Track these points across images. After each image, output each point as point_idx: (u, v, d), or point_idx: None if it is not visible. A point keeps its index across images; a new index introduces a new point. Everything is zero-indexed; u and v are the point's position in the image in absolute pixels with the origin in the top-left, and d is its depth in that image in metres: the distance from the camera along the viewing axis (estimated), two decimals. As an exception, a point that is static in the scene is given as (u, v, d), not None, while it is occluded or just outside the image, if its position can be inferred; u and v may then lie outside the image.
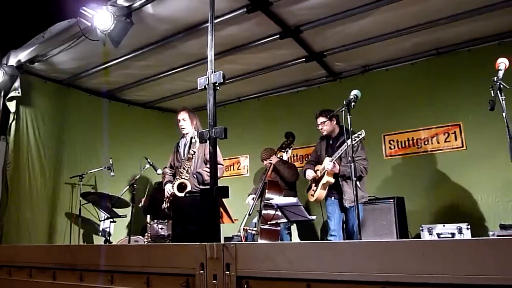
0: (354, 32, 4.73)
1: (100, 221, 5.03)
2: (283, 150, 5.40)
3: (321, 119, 4.49)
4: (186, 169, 4.25)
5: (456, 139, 4.91)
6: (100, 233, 5.12)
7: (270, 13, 4.25)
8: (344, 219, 4.32)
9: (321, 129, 4.49)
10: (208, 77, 3.18)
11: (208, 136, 2.98)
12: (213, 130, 2.99)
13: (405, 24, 4.60)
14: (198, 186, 4.29)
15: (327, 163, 4.10)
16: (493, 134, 4.66)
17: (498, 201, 4.55)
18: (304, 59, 5.31)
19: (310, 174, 4.48)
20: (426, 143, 5.11)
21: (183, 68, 5.48)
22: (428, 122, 5.14)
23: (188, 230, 3.20)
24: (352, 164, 3.31)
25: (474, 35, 4.84)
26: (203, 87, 3.22)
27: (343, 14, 4.31)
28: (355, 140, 3.95)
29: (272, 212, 4.68)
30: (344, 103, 3.42)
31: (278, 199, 3.99)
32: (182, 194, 4.13)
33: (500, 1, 4.13)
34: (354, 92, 3.53)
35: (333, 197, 4.32)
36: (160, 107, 7.01)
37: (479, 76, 4.84)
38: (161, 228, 5.09)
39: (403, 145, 5.25)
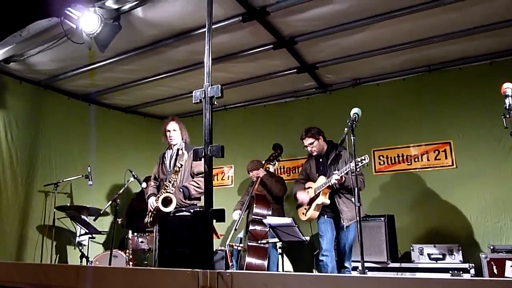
0: (348, 46, 4.65)
1: (77, 235, 4.71)
2: (271, 163, 5.26)
3: (308, 140, 4.32)
4: (171, 182, 4.02)
5: (446, 157, 4.89)
6: (75, 246, 4.81)
7: (266, 23, 4.09)
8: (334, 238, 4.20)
9: (311, 150, 4.34)
10: (204, 91, 2.96)
11: (203, 154, 2.78)
12: (209, 148, 2.79)
13: (398, 41, 4.56)
14: (184, 200, 4.06)
15: (333, 178, 3.91)
16: (483, 154, 4.69)
17: (487, 221, 4.54)
18: (295, 70, 5.18)
19: (302, 198, 4.32)
20: (416, 160, 5.07)
21: (168, 74, 5.26)
22: (418, 139, 5.10)
23: (176, 252, 2.99)
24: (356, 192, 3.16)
25: (466, 54, 4.85)
26: (198, 101, 3.00)
27: (339, 27, 4.22)
28: (357, 165, 3.82)
29: (259, 228, 4.52)
30: (348, 124, 3.26)
31: (271, 219, 3.82)
32: (167, 209, 3.90)
33: (491, 23, 4.14)
34: (355, 110, 3.41)
35: (326, 216, 4.19)
36: (141, 112, 6.73)
37: (470, 95, 4.90)
38: (142, 242, 4.86)
39: (393, 161, 5.19)
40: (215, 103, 2.93)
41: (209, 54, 3.10)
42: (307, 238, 3.84)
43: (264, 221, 3.88)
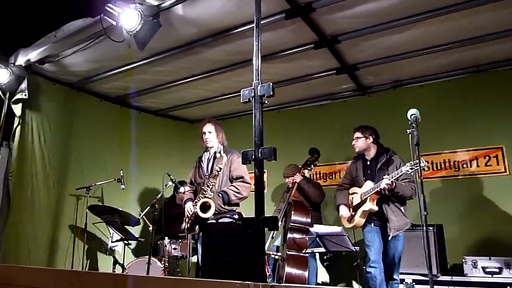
0: (391, 45, 4.40)
1: (110, 240, 4.57)
2: (308, 167, 5.04)
3: (356, 134, 4.16)
4: (210, 187, 3.84)
5: (498, 163, 4.58)
6: (108, 252, 4.68)
7: (309, 20, 3.89)
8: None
9: (354, 144, 4.15)
10: (254, 89, 2.76)
11: (253, 157, 2.57)
12: (260, 150, 2.59)
13: (445, 39, 4.30)
14: (223, 206, 3.88)
15: (384, 182, 3.68)
16: (539, 160, 4.37)
17: (544, 233, 4.21)
18: (335, 71, 4.96)
19: (344, 214, 4.09)
20: (464, 166, 4.76)
21: (203, 75, 5.10)
22: (466, 143, 4.80)
23: (221, 262, 2.80)
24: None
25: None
26: (247, 100, 2.80)
27: (384, 25, 3.99)
28: (412, 168, 3.58)
29: (298, 236, 4.29)
30: (413, 126, 3.02)
31: (318, 227, 3.59)
32: (205, 215, 3.72)
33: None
34: (413, 111, 3.17)
35: (372, 224, 3.93)
36: (172, 115, 6.61)
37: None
38: (175, 249, 4.68)
39: (439, 167, 4.90)
40: (266, 102, 2.73)
41: (258, 50, 2.93)
42: (357, 248, 3.59)
43: (311, 229, 3.65)
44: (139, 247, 5.50)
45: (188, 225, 3.97)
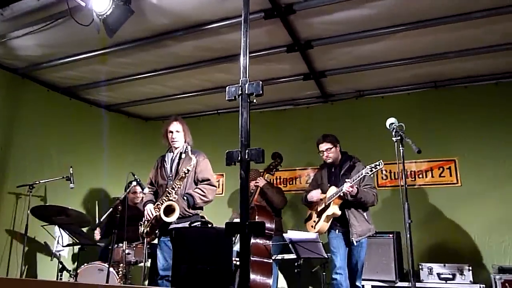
0: (361, 55, 4.49)
1: (57, 244, 4.13)
2: (270, 172, 4.98)
3: (326, 145, 4.12)
4: (175, 189, 3.61)
5: (451, 175, 4.83)
6: (52, 257, 4.23)
7: (287, 22, 3.83)
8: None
9: (326, 156, 4.11)
10: (241, 86, 2.61)
11: (239, 158, 2.42)
12: (246, 151, 2.44)
13: (411, 54, 4.46)
14: (187, 209, 3.67)
15: (345, 186, 3.69)
16: (488, 173, 4.67)
17: (491, 241, 4.49)
18: (302, 76, 4.95)
19: (315, 194, 4.07)
20: (420, 176, 4.97)
21: (167, 71, 4.84)
22: (422, 155, 4.90)
23: (196, 269, 2.60)
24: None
25: (473, 73, 4.84)
26: (232, 98, 2.63)
27: (359, 34, 4.04)
28: (371, 170, 3.67)
29: (262, 242, 4.19)
30: (399, 134, 3.04)
31: (292, 233, 3.50)
32: (169, 219, 3.48)
33: (509, 42, 4.14)
34: (392, 120, 3.20)
35: (337, 230, 3.95)
36: (125, 111, 6.22)
37: (475, 113, 4.89)
38: (128, 254, 4.35)
39: (396, 176, 5.07)
40: (255, 101, 2.59)
41: (246, 46, 2.78)
42: (328, 255, 3.56)
43: (285, 235, 3.56)
44: (81, 253, 5.05)
45: (148, 229, 3.70)
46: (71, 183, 4.58)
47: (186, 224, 3.55)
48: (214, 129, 6.01)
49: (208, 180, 3.84)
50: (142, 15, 3.65)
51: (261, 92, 2.56)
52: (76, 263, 4.54)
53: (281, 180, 5.65)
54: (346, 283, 3.76)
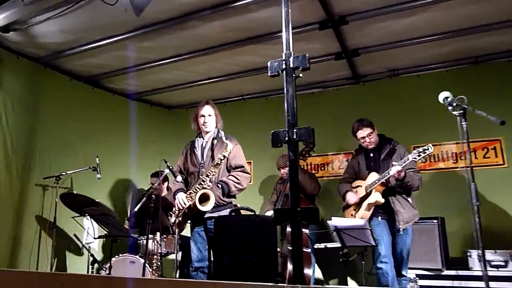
0: (398, 30, 4.21)
1: (87, 236, 4.01)
2: (303, 158, 4.75)
3: (366, 130, 3.84)
4: (209, 176, 3.42)
5: (496, 156, 4.53)
6: (82, 250, 4.12)
7: (322, -6, 3.58)
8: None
9: (369, 142, 3.85)
10: (285, 60, 2.36)
11: (287, 138, 2.19)
12: (294, 131, 2.21)
13: (450, 27, 4.16)
14: (221, 198, 3.49)
15: (394, 169, 3.45)
16: (537, 152, 4.36)
17: (543, 225, 4.20)
18: (333, 56, 4.69)
19: (352, 199, 3.84)
20: (462, 158, 4.68)
21: (191, 55, 4.63)
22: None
23: (241, 261, 2.41)
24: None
25: (515, 46, 4.51)
26: (276, 73, 2.39)
27: (398, 6, 3.76)
28: (420, 155, 3.41)
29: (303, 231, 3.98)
30: (462, 107, 2.78)
31: (337, 220, 3.28)
32: (204, 208, 3.30)
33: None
34: (446, 94, 2.94)
35: (379, 217, 3.71)
36: (148, 100, 6.06)
37: (521, 89, 4.56)
38: (159, 245, 4.20)
39: (436, 159, 4.79)
40: (300, 75, 2.35)
41: (288, 17, 2.53)
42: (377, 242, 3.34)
43: (329, 222, 3.34)
44: (108, 244, 4.95)
45: (180, 218, 3.53)
46: (97, 173, 4.45)
47: (222, 213, 3.37)
48: (240, 115, 5.80)
49: (242, 167, 3.65)
50: (168, -7, 3.45)
51: (307, 65, 2.32)
52: (105, 256, 4.41)
53: (313, 166, 5.43)
54: (393, 272, 3.53)
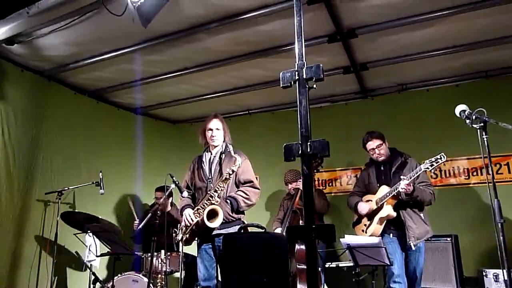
0: (407, 44, 4.15)
1: (88, 253, 3.88)
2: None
3: (376, 142, 3.77)
4: (218, 192, 3.31)
5: (509, 171, 4.41)
6: (83, 268, 3.99)
7: (331, 6, 3.52)
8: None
9: (378, 154, 3.76)
10: (297, 71, 2.27)
11: (300, 152, 2.08)
12: (308, 144, 2.10)
13: (463, 40, 4.09)
14: (230, 214, 3.37)
15: (402, 183, 3.35)
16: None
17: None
18: (342, 70, 4.62)
19: (364, 208, 3.72)
20: (474, 173, 4.56)
21: (198, 68, 4.57)
22: (474, 150, 4.58)
23: (251, 280, 2.29)
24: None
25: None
26: (288, 84, 2.30)
27: (408, 19, 3.71)
28: (432, 165, 3.32)
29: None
30: (482, 119, 2.68)
31: (350, 238, 3.15)
32: (213, 224, 3.18)
33: None
34: (463, 107, 2.85)
35: (391, 234, 3.59)
36: (154, 114, 5.99)
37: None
38: (162, 263, 4.06)
39: (447, 175, 4.67)
40: (314, 87, 2.25)
41: (300, 27, 2.45)
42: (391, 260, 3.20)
43: (342, 240, 3.21)
44: (110, 262, 4.81)
45: (187, 235, 3.40)
46: (100, 188, 4.34)
47: (230, 230, 3.24)
48: (246, 130, 5.72)
49: (251, 182, 3.54)
50: (176, 4, 3.40)
51: (321, 76, 2.23)
52: (108, 274, 4.27)
53: (320, 181, 5.31)
54: (407, 292, 3.39)
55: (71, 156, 4.77)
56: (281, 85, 2.26)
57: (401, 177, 3.44)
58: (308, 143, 2.08)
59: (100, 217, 3.97)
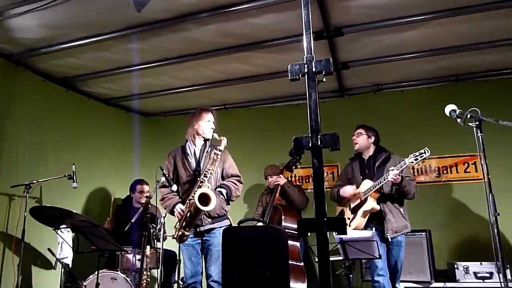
0: (390, 45, 4.27)
1: (60, 251, 3.64)
2: (290, 170, 4.68)
3: (358, 130, 3.98)
4: (208, 176, 3.21)
5: (476, 170, 4.68)
6: (54, 266, 3.75)
7: (323, 4, 3.55)
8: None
9: (354, 140, 3.95)
10: (306, 64, 2.26)
11: (310, 145, 2.08)
12: (318, 137, 2.10)
13: (441, 44, 4.27)
14: (223, 206, 3.32)
15: (392, 173, 3.43)
16: (514, 167, 4.55)
17: (520, 238, 4.36)
18: (323, 68, 4.67)
19: (348, 190, 3.80)
20: (444, 172, 4.80)
21: (180, 59, 4.44)
22: (445, 150, 4.85)
23: (254, 275, 2.24)
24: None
25: (494, 66, 4.72)
26: (296, 77, 2.28)
27: (393, 21, 3.81)
28: (417, 159, 3.44)
29: (292, 243, 3.87)
30: (478, 118, 2.79)
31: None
32: (207, 208, 3.07)
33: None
34: (453, 107, 2.97)
35: (374, 228, 3.68)
36: (125, 106, 5.74)
37: (498, 107, 4.75)
38: (139, 260, 3.91)
39: (419, 172, 4.88)
40: (324, 80, 2.25)
41: (309, 20, 2.45)
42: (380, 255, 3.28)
43: (335, 234, 3.23)
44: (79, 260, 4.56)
45: (183, 230, 3.25)
46: (74, 182, 4.10)
47: (221, 224, 3.18)
48: (222, 125, 5.60)
49: (239, 176, 3.53)
50: (168, -9, 3.28)
51: (331, 70, 2.22)
52: (79, 273, 4.02)
53: (297, 178, 5.35)
54: (389, 285, 3.50)
55: (38, 148, 4.46)
56: (289, 78, 2.23)
57: (390, 168, 3.51)
58: (319, 136, 2.07)
59: (75, 211, 3.74)
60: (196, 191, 3.15)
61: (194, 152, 3.55)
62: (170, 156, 3.63)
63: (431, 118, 4.97)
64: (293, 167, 4.67)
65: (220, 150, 3.25)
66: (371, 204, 3.61)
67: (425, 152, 3.42)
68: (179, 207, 3.25)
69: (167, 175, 3.20)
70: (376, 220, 3.68)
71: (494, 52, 4.38)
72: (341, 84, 5.14)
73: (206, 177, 3.20)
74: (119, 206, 4.80)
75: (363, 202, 3.70)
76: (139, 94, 5.38)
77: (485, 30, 3.95)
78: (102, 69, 4.65)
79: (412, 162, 3.47)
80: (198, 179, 3.23)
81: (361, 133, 3.90)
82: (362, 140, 3.90)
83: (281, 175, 4.53)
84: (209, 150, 3.49)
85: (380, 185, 3.56)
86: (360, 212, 3.69)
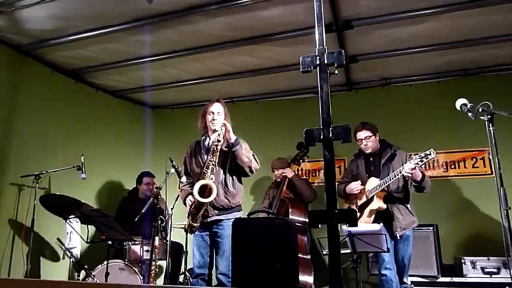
0: (399, 39, 4.24)
1: (69, 241, 3.68)
2: (297, 164, 4.68)
3: (365, 133, 3.82)
4: (210, 167, 3.20)
5: (484, 166, 4.66)
6: (63, 256, 3.78)
7: (334, -4, 3.54)
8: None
9: (365, 145, 3.82)
10: (318, 56, 2.26)
11: (321, 137, 2.08)
12: (330, 129, 2.10)
13: (450, 38, 4.23)
14: (227, 199, 3.31)
15: (407, 166, 3.39)
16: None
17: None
18: (332, 61, 4.65)
19: (355, 186, 3.78)
20: (452, 167, 4.78)
21: (188, 52, 4.44)
22: (453, 145, 4.83)
23: (264, 267, 2.25)
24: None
25: (503, 61, 4.69)
26: (308, 69, 2.28)
27: (402, 14, 3.79)
28: (422, 160, 3.41)
29: (300, 237, 3.88)
30: (490, 112, 2.77)
31: (352, 224, 3.18)
32: (206, 200, 3.07)
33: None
34: (463, 101, 2.95)
35: (381, 223, 3.67)
36: (132, 98, 5.76)
37: (507, 103, 4.73)
38: (147, 251, 3.94)
39: (427, 167, 4.86)
40: (336, 72, 2.25)
41: (321, 11, 2.44)
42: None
43: (344, 227, 3.24)
44: (87, 250, 4.61)
45: (191, 222, 3.26)
46: (82, 173, 4.13)
47: (229, 217, 3.19)
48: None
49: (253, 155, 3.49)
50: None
51: (343, 62, 2.22)
52: (88, 263, 4.06)
53: (304, 172, 5.36)
54: (396, 279, 3.50)
55: (47, 138, 4.50)
56: (300, 70, 2.23)
57: (409, 161, 3.45)
58: (330, 129, 2.07)
59: (83, 201, 3.77)
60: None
61: (208, 145, 3.55)
62: (188, 148, 3.64)
63: (439, 112, 4.95)
64: (301, 160, 4.66)
65: (218, 141, 3.23)
66: (378, 203, 3.59)
67: (430, 153, 3.36)
68: (189, 198, 3.27)
69: (176, 166, 3.20)
70: (383, 218, 3.63)
71: (503, 47, 4.35)
72: (348, 78, 5.13)
73: (208, 168, 3.19)
74: (125, 198, 4.83)
75: (369, 201, 3.68)
76: (147, 87, 5.40)
77: (495, 24, 3.92)
78: (110, 61, 4.67)
79: (417, 164, 3.42)
80: (202, 171, 3.23)
81: (369, 136, 3.80)
82: (372, 143, 3.82)
83: (288, 168, 4.53)
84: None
85: (386, 184, 3.55)
86: (366, 211, 3.67)
